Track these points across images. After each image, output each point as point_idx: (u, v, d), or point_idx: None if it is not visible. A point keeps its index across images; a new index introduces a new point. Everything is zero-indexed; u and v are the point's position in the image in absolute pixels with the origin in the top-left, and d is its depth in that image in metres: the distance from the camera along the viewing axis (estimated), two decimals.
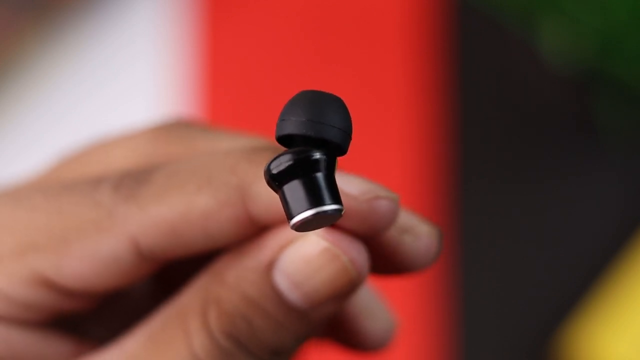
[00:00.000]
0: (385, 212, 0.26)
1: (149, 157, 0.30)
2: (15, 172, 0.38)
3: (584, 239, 0.65)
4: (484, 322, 0.64)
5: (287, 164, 0.23)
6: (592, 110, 0.68)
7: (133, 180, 0.28)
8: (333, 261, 0.26)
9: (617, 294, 0.62)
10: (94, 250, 0.27)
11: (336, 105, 0.23)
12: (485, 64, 0.70)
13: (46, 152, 0.39)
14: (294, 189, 0.23)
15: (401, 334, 0.34)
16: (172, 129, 0.30)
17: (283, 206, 0.23)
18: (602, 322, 0.61)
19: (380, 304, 0.31)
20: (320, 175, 0.23)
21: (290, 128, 0.23)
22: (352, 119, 0.24)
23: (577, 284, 0.64)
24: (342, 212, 0.23)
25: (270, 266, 0.26)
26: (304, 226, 0.23)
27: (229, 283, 0.27)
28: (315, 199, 0.22)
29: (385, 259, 0.28)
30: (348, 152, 0.26)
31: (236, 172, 0.27)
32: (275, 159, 0.23)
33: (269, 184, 0.23)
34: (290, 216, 0.23)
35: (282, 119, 0.23)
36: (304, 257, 0.26)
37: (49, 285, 0.28)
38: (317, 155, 0.23)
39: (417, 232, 0.28)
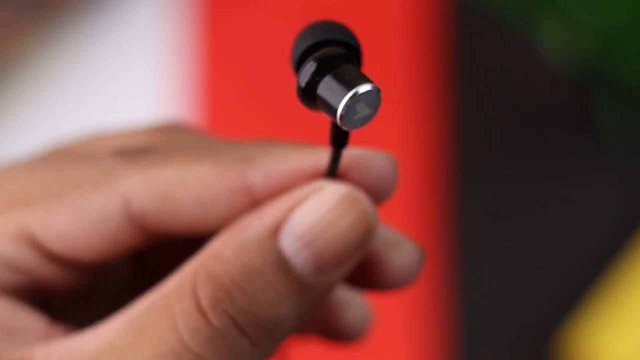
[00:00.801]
0: (385, 168, 0.28)
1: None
2: None
3: (584, 239, 0.65)
4: (484, 322, 0.64)
5: (310, 69, 0.24)
6: (592, 110, 0.68)
7: (136, 150, 0.28)
8: (353, 207, 0.26)
9: (617, 294, 0.62)
10: (84, 204, 0.27)
11: (337, 23, 0.25)
12: (485, 64, 0.70)
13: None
14: (328, 90, 0.23)
15: (401, 334, 0.34)
16: (169, 130, 0.30)
17: (327, 112, 0.24)
18: (602, 322, 0.61)
19: (356, 295, 0.32)
20: (343, 69, 0.24)
21: (303, 45, 0.24)
22: None
23: (577, 284, 0.64)
24: (381, 94, 0.23)
25: (275, 231, 0.26)
26: (350, 116, 0.23)
27: (227, 257, 0.26)
28: (348, 86, 0.23)
29: (370, 272, 0.29)
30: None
31: (239, 148, 0.27)
32: (299, 77, 0.24)
33: (303, 99, 0.24)
34: (334, 112, 0.23)
35: (295, 48, 0.24)
36: (321, 210, 0.26)
37: (34, 244, 0.27)
38: (331, 50, 0.24)
39: (403, 248, 0.29)
